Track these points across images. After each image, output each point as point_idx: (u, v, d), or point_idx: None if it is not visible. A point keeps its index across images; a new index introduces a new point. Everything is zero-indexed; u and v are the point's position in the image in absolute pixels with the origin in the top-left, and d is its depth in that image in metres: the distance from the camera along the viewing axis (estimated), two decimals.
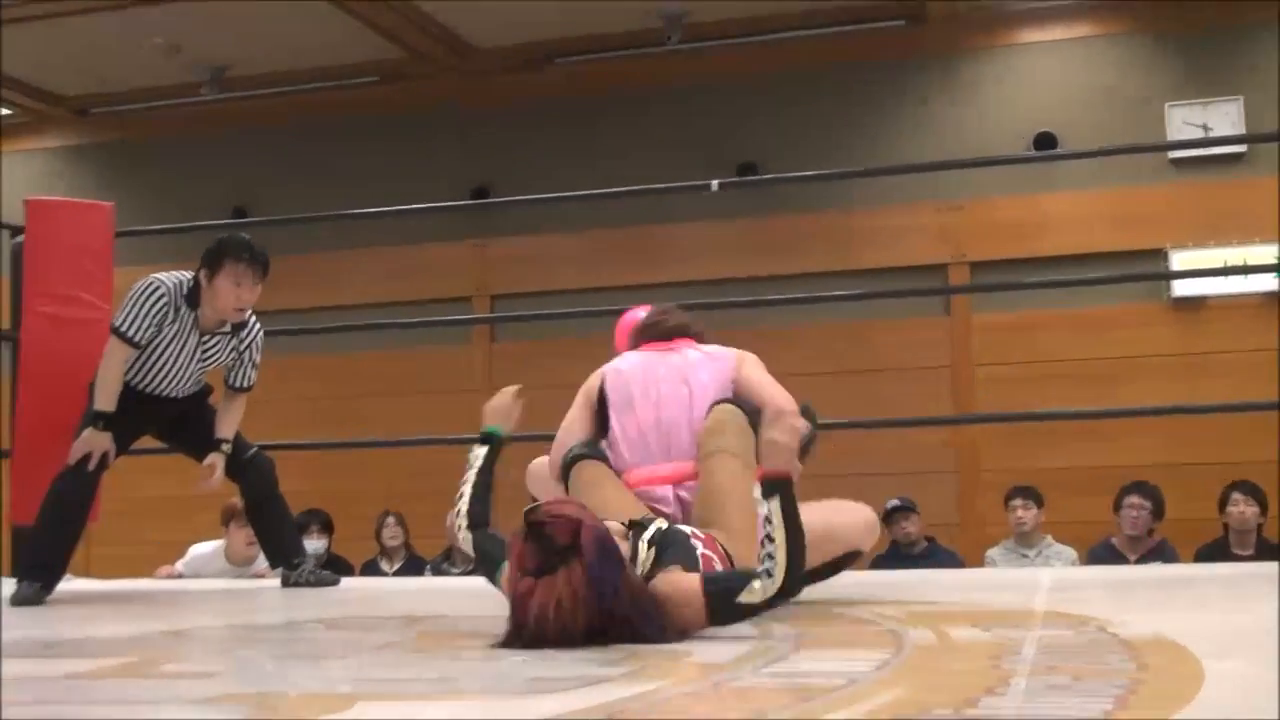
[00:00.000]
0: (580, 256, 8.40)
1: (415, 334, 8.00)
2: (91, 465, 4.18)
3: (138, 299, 4.20)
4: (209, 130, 9.31)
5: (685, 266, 8.14)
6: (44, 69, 8.98)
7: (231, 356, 4.40)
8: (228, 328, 4.33)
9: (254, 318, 4.43)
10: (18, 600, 4.06)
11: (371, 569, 7.26)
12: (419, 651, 2.56)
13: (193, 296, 4.24)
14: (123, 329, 4.19)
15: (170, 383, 4.33)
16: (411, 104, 8.88)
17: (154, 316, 4.19)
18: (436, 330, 8.00)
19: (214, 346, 4.34)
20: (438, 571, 6.95)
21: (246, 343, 4.40)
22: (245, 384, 4.46)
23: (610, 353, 3.65)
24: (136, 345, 4.20)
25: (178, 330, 4.25)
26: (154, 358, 4.27)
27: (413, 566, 7.20)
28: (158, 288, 4.21)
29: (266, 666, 2.46)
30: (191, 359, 4.31)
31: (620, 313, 4.18)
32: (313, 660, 2.53)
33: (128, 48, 8.47)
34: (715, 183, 4.95)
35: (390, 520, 7.34)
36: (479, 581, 3.04)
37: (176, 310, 4.22)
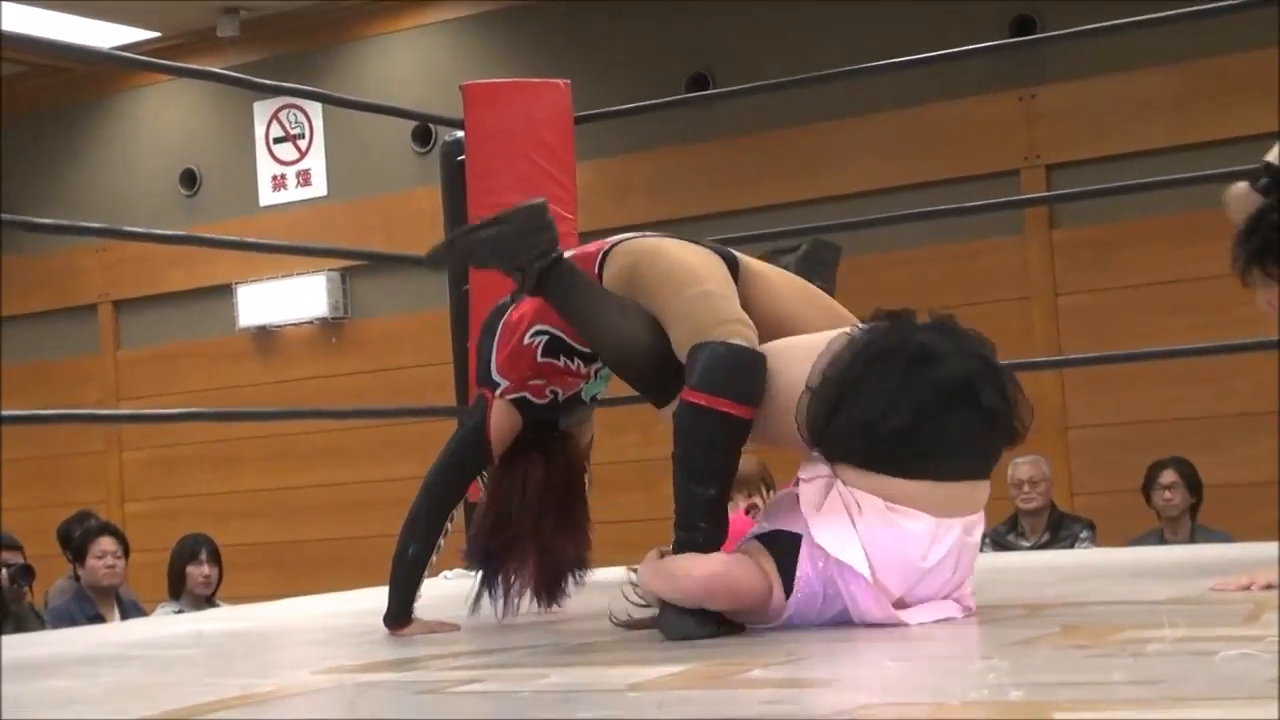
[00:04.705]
0: (1170, 101, 8.14)
1: (945, 225, 8.02)
2: None
3: None
4: None
5: None
6: None
7: None
8: None
9: None
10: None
11: None
12: (1084, 648, 2.55)
13: None
14: None
15: None
16: None
17: None
18: (974, 219, 7.92)
19: None
20: (1001, 545, 7.03)
21: None
22: None
23: None
24: None
25: None
26: None
27: None
28: None
29: (888, 667, 2.51)
30: None
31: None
32: (959, 661, 2.60)
33: None
34: None
35: None
36: (1069, 555, 3.01)
37: None
